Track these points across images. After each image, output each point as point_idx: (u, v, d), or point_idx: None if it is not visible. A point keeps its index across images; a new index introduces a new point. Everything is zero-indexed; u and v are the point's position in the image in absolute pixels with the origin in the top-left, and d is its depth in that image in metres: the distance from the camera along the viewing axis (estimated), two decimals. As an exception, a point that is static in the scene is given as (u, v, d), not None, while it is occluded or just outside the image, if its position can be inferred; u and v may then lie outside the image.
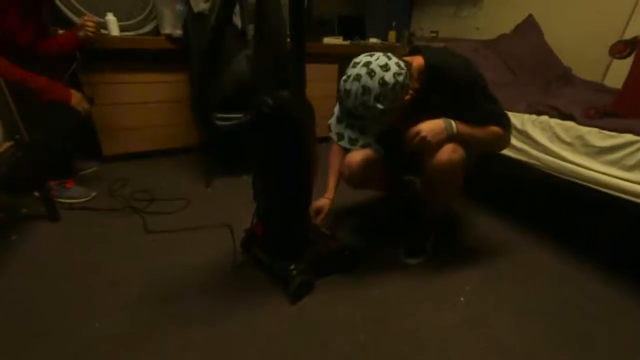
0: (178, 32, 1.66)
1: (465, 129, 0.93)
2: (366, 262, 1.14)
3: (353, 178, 1.14)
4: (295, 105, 0.82)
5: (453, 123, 0.92)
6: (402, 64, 0.82)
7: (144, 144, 1.92)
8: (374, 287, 1.05)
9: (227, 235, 1.22)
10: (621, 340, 0.90)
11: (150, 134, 1.91)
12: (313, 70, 2.10)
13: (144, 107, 1.84)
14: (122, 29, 1.71)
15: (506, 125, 0.97)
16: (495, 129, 0.95)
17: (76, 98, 1.34)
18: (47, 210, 1.32)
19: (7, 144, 1.12)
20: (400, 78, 0.80)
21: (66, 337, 0.84)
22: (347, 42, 2.27)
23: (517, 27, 1.86)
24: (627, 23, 1.61)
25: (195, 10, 1.37)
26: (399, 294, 1.03)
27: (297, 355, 0.82)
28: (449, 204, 1.15)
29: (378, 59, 0.80)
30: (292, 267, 0.96)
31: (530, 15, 1.85)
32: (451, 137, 0.92)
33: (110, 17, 1.59)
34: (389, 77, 0.78)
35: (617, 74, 1.64)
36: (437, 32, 2.53)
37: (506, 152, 1.28)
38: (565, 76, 1.67)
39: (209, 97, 0.79)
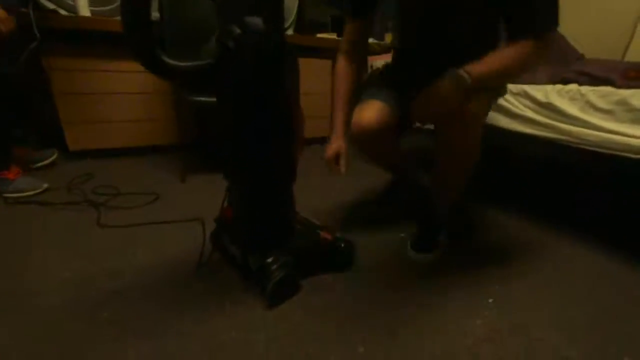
0: (155, 15, 1.51)
1: (481, 70, 0.71)
2: (366, 257, 0.92)
3: (364, 137, 0.88)
4: (272, 37, 0.64)
5: (463, 74, 0.70)
6: None
7: (116, 140, 1.73)
8: (376, 288, 0.82)
9: (198, 231, 0.99)
10: None
11: (124, 129, 1.73)
12: (306, 65, 1.98)
13: (116, 98, 1.66)
14: (95, 14, 1.57)
15: (548, 29, 0.72)
16: (526, 48, 0.71)
17: None
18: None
19: None
20: None
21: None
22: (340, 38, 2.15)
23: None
24: None
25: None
26: (408, 296, 0.79)
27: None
28: (465, 184, 0.93)
29: None
30: (270, 260, 0.74)
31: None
32: (467, 89, 0.71)
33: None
34: None
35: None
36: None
37: (529, 130, 1.09)
38: (580, 61, 1.52)
39: (149, 17, 0.59)
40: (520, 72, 0.79)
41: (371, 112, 0.87)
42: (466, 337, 0.67)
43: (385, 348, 0.64)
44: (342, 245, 0.86)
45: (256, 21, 0.63)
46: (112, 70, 1.61)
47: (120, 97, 1.67)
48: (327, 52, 2.04)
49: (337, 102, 0.95)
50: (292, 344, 0.64)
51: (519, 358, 0.63)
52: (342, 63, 0.97)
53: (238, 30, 0.61)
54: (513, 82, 1.11)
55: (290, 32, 2.10)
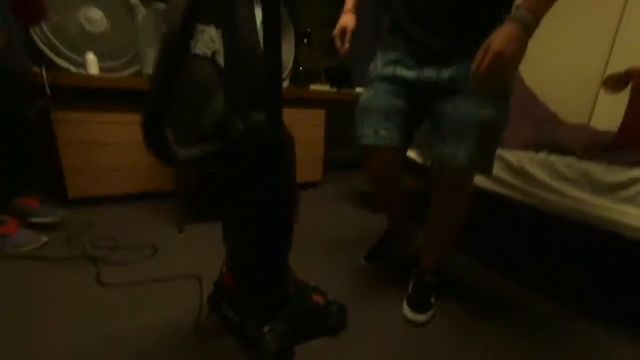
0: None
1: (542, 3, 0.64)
2: (357, 319, 0.96)
3: (376, 179, 0.99)
4: (272, 130, 0.72)
5: (525, 14, 0.64)
6: None
7: (115, 187, 1.78)
8: (368, 355, 0.86)
9: (195, 288, 1.03)
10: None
11: (123, 176, 1.78)
12: (300, 116, 2.11)
13: (117, 147, 1.73)
14: (104, 70, 1.68)
15: None
16: None
17: None
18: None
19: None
20: None
21: None
22: (334, 89, 2.30)
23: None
24: (606, 64, 1.66)
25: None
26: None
27: None
28: (454, 241, 1.00)
29: None
30: (267, 329, 0.78)
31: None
32: (532, 31, 0.64)
33: (90, 57, 1.56)
34: None
35: (603, 116, 1.65)
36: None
37: (502, 190, 1.19)
38: (554, 120, 1.67)
39: (165, 116, 0.67)
40: None
41: (380, 162, 0.95)
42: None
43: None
44: (335, 309, 0.90)
45: (259, 117, 0.72)
46: (113, 122, 1.69)
47: (120, 146, 1.74)
48: (320, 102, 2.17)
49: None
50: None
51: None
52: None
53: (242, 127, 0.70)
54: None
55: (286, 83, 2.24)
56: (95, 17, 1.66)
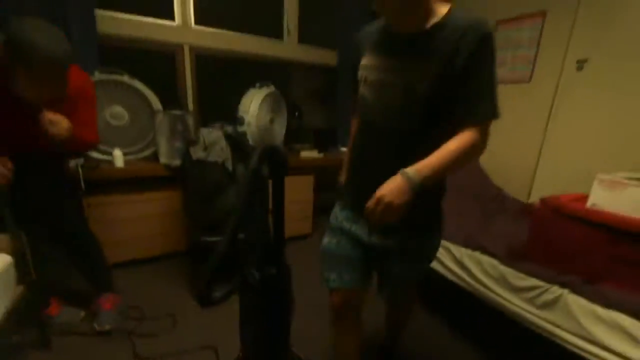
0: (176, 163, 1.94)
1: (434, 170, 0.75)
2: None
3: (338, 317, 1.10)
4: (280, 278, 1.05)
5: (413, 172, 0.74)
6: None
7: (135, 253, 2.07)
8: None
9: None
10: None
11: (142, 244, 2.08)
12: (291, 182, 2.45)
13: (137, 221, 2.03)
14: (125, 153, 1.98)
15: (491, 120, 0.80)
16: (470, 137, 0.78)
17: None
18: (40, 338, 1.41)
19: (20, 289, 1.26)
20: None
21: None
22: (321, 155, 2.65)
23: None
24: (540, 150, 2.04)
25: (194, 157, 1.66)
26: None
27: None
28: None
29: None
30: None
31: (467, 145, 2.30)
32: (418, 189, 0.74)
33: (117, 153, 1.86)
34: None
35: (539, 194, 2.03)
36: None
37: (449, 276, 1.55)
38: (498, 197, 2.05)
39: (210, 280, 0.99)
40: (466, 163, 0.81)
41: (344, 300, 1.06)
42: None
43: None
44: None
45: (271, 271, 1.05)
46: (133, 201, 1.99)
47: (138, 220, 2.04)
48: (309, 169, 2.51)
49: (348, 148, 1.10)
50: None
51: None
52: (354, 122, 1.06)
53: (258, 277, 1.03)
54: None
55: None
56: (119, 112, 1.97)
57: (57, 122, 1.14)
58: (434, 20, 0.78)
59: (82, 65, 1.88)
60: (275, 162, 0.86)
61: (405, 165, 0.76)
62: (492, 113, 0.79)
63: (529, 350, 1.51)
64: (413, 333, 1.59)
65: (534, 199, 2.04)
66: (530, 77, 2.02)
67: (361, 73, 0.90)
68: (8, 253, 1.24)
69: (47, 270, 1.57)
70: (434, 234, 1.02)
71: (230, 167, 1.70)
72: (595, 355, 1.09)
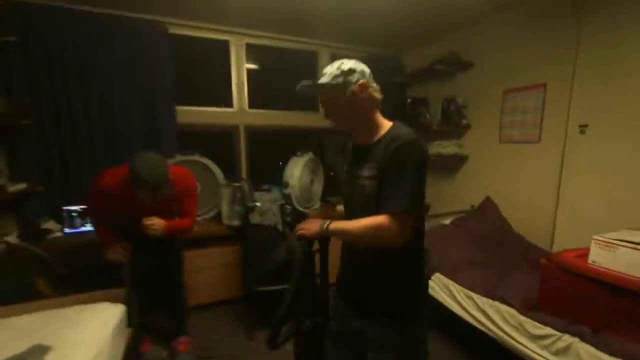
0: (235, 223, 2.36)
1: (338, 227, 1.01)
2: None
3: None
4: (325, 325, 1.35)
5: (326, 222, 1.03)
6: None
7: (201, 298, 2.45)
8: None
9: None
10: None
11: (206, 291, 2.46)
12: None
13: (202, 271, 2.44)
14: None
15: (400, 211, 0.92)
16: (379, 220, 0.93)
17: (113, 251, 1.69)
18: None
19: (129, 331, 1.65)
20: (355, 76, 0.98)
21: None
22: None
23: (480, 206, 2.51)
24: (557, 195, 2.20)
25: (252, 222, 2.07)
26: None
27: None
28: None
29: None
30: None
31: (487, 197, 2.52)
32: (324, 232, 1.03)
33: (192, 217, 2.33)
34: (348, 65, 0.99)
35: (562, 241, 2.16)
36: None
37: (476, 322, 1.73)
38: (521, 246, 2.21)
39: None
40: (372, 241, 0.97)
41: None
42: None
43: None
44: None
45: (319, 320, 1.35)
46: (202, 255, 2.42)
47: (204, 271, 2.44)
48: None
49: None
50: None
51: None
52: None
53: (310, 324, 1.33)
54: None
55: (317, 204, 2.94)
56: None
57: (151, 225, 1.59)
58: (379, 134, 1.01)
59: (166, 149, 2.47)
60: (324, 239, 1.21)
61: (365, 248, 1.02)
62: (400, 206, 0.91)
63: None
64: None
65: (557, 246, 2.17)
66: (539, 137, 2.26)
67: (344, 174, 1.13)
68: (122, 303, 1.66)
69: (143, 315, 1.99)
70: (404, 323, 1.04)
71: (280, 229, 2.08)
72: (606, 400, 1.23)
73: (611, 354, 1.24)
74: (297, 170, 2.63)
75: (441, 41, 2.93)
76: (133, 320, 1.70)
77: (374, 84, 1.03)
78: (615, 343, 1.25)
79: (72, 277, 1.73)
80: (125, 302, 1.66)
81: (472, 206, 2.67)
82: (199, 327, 2.25)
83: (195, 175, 1.85)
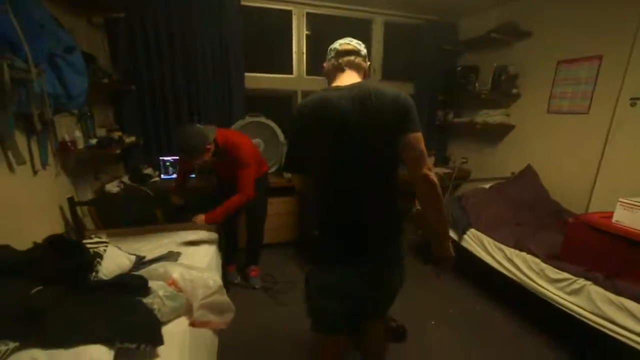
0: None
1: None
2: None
3: None
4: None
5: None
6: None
7: (267, 239, 2.95)
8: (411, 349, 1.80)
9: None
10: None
11: (271, 233, 2.95)
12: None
13: (267, 217, 2.91)
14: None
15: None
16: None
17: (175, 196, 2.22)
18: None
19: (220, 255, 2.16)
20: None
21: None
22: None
23: (520, 173, 2.67)
24: (598, 166, 2.31)
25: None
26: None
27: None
28: None
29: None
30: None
31: (529, 165, 2.67)
32: None
33: (259, 170, 2.77)
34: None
35: (596, 208, 2.30)
36: (466, 159, 3.41)
37: (503, 269, 2.03)
38: (555, 211, 2.39)
39: None
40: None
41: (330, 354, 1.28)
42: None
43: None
44: (401, 329, 1.86)
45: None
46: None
47: (271, 216, 2.90)
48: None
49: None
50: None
51: None
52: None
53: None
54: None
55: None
56: (258, 142, 2.89)
57: (197, 220, 1.92)
58: None
59: (235, 113, 2.86)
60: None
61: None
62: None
63: (556, 324, 1.91)
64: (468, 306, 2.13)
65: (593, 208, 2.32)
66: (589, 109, 2.32)
67: None
68: (215, 232, 2.15)
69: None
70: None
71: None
72: (606, 328, 1.51)
73: (617, 293, 1.49)
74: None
75: (499, 8, 2.93)
76: (222, 247, 2.20)
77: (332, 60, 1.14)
78: (623, 286, 1.49)
79: (180, 211, 2.24)
80: (218, 232, 2.15)
81: (513, 173, 2.83)
82: (264, 261, 2.76)
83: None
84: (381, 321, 1.40)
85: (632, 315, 1.43)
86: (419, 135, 1.00)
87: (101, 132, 2.35)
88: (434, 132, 3.62)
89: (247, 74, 2.94)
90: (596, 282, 1.58)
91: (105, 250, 1.32)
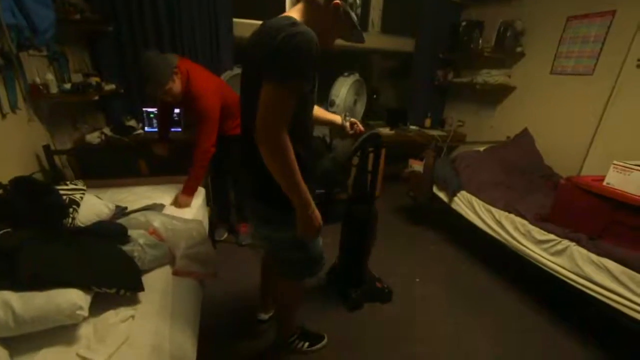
0: (286, 134, 2.67)
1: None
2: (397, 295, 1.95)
3: None
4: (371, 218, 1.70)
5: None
6: None
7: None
8: (397, 309, 1.85)
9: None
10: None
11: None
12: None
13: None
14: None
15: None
16: None
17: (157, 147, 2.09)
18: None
19: (208, 209, 2.12)
20: None
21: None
22: (392, 132, 3.16)
23: (516, 136, 2.62)
24: (595, 130, 2.29)
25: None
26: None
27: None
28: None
29: None
30: (354, 293, 1.80)
31: (525, 129, 2.61)
32: None
33: (249, 126, 2.65)
34: None
35: (591, 168, 2.30)
36: (463, 122, 3.33)
37: (491, 230, 2.04)
38: (547, 175, 2.39)
39: None
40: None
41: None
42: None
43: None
44: (386, 290, 1.90)
45: (367, 209, 1.70)
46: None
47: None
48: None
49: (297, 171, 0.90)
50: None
51: (452, 341, 1.63)
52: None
53: (360, 212, 1.69)
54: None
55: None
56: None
57: (179, 203, 1.77)
58: None
59: (223, 61, 2.68)
60: (377, 142, 1.48)
61: None
62: None
63: (537, 284, 1.98)
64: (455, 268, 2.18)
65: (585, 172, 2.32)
66: (593, 69, 2.22)
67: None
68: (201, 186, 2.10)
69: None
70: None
71: (328, 140, 2.36)
72: (585, 287, 1.55)
73: (599, 254, 1.52)
74: (343, 90, 2.79)
75: (510, -44, 2.69)
76: (210, 201, 2.16)
77: None
78: (605, 246, 1.51)
79: (164, 162, 2.16)
80: (205, 186, 2.09)
81: (508, 137, 2.78)
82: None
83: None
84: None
85: (611, 275, 1.46)
86: (270, 88, 0.82)
87: (77, 78, 2.18)
88: (432, 92, 3.50)
89: (236, 20, 2.71)
90: (579, 243, 1.60)
91: (82, 198, 1.26)
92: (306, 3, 0.94)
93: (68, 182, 1.32)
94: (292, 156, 0.87)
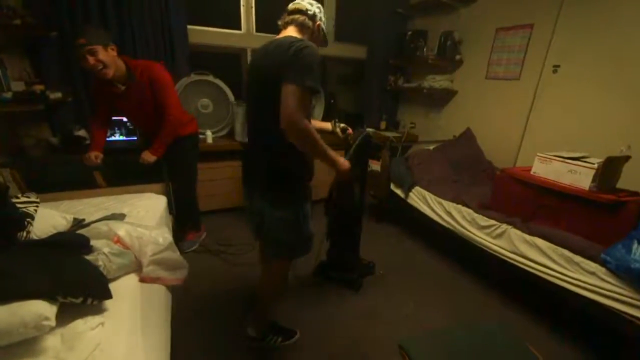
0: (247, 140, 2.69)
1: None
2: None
3: None
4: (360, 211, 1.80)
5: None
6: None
7: (220, 204, 2.91)
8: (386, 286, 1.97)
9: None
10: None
11: (223, 198, 2.91)
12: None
13: (220, 181, 2.85)
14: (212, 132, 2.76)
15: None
16: None
17: (86, 158, 1.97)
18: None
19: (171, 217, 2.08)
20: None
21: (216, 317, 1.76)
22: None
23: (460, 135, 2.90)
24: (525, 127, 2.60)
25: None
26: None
27: (327, 327, 1.73)
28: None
29: None
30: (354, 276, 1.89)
31: (468, 128, 2.89)
32: None
33: (208, 133, 2.65)
34: None
35: (524, 160, 2.61)
36: (414, 123, 3.58)
37: (442, 221, 2.24)
38: (488, 168, 2.67)
39: None
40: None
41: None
42: (397, 317, 1.82)
43: (366, 319, 1.79)
44: (372, 266, 2.01)
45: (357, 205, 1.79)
46: (219, 167, 2.79)
47: (223, 180, 2.85)
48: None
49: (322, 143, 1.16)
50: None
51: (413, 324, 1.77)
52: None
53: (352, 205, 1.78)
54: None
55: (318, 130, 3.27)
56: (206, 102, 2.74)
57: (144, 157, 1.95)
58: None
59: (179, 69, 2.66)
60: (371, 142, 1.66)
61: None
62: None
63: (484, 266, 2.21)
64: (407, 252, 2.35)
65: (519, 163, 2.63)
66: (519, 75, 2.55)
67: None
68: (163, 194, 2.06)
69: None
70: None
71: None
72: (523, 264, 1.78)
73: (530, 234, 1.75)
74: (301, 95, 2.89)
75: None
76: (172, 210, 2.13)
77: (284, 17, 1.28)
78: (535, 227, 1.75)
79: (121, 173, 2.08)
80: (165, 194, 2.06)
81: (454, 136, 3.06)
82: (217, 226, 2.73)
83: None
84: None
85: (541, 251, 1.70)
86: (293, 87, 1.03)
87: (18, 87, 2.04)
88: (385, 96, 3.72)
89: (190, 27, 2.70)
90: (515, 226, 1.84)
91: (36, 211, 1.21)
92: (300, 26, 1.24)
93: (19, 195, 1.26)
94: (316, 134, 1.11)
